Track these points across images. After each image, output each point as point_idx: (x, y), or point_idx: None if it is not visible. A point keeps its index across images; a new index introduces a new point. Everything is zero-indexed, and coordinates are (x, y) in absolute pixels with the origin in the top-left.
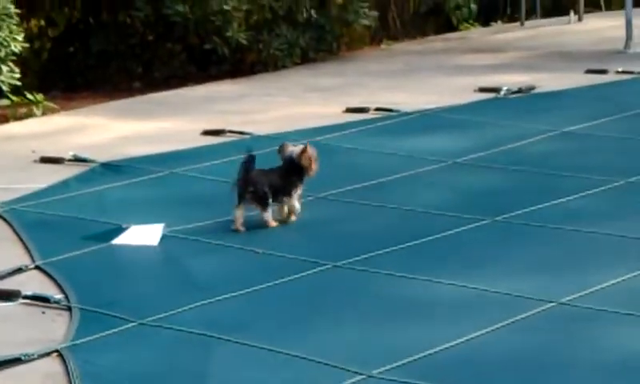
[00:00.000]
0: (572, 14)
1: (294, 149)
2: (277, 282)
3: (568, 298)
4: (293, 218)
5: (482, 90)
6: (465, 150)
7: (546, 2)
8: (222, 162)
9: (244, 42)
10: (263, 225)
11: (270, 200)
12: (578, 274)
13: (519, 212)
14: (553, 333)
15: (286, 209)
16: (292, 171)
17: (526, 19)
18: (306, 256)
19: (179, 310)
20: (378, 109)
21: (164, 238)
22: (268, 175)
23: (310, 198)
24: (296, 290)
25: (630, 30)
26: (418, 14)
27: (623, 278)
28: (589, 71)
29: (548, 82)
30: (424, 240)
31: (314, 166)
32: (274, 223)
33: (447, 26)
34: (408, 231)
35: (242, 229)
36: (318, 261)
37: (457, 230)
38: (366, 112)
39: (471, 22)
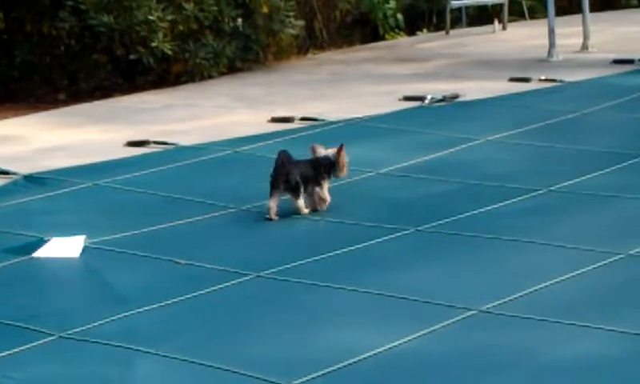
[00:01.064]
0: (496, 23)
1: (327, 151)
2: (200, 292)
3: (489, 306)
4: (324, 206)
5: (407, 98)
6: (389, 160)
7: (472, 11)
8: (146, 173)
9: (169, 52)
10: (297, 212)
11: (302, 189)
12: (498, 281)
13: (441, 221)
14: (474, 340)
15: (316, 198)
16: (324, 166)
17: (452, 28)
18: (230, 266)
19: (100, 322)
20: (302, 118)
21: (86, 249)
22: (299, 165)
23: (233, 210)
24: (219, 301)
25: (553, 38)
26: (344, 24)
27: (543, 285)
28: (512, 79)
29: (472, 90)
30: (347, 250)
31: (346, 171)
32: (306, 210)
33: (373, 35)
34: (331, 241)
35: (275, 217)
36: (241, 271)
37: (379, 239)
38: (291, 122)
39: (397, 31)
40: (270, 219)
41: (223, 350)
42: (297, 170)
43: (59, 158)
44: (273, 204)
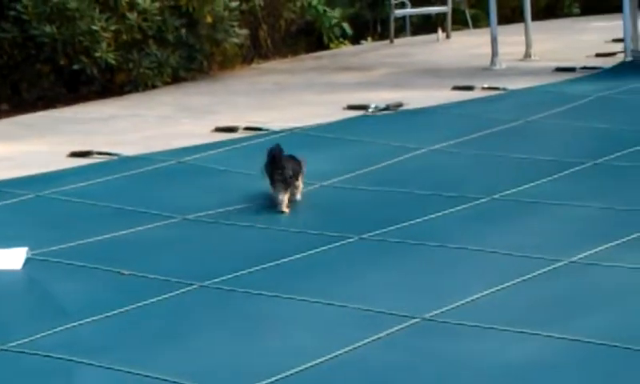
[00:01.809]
0: (440, 31)
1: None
2: (143, 303)
3: (432, 314)
4: (299, 196)
5: (351, 107)
6: (333, 169)
7: (416, 20)
8: (89, 184)
9: (113, 61)
10: (278, 206)
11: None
12: (442, 289)
13: (385, 230)
14: (417, 348)
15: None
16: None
17: (396, 37)
18: (173, 276)
19: (42, 334)
20: (246, 128)
21: (28, 261)
22: (290, 161)
23: (177, 220)
24: (162, 312)
25: (496, 47)
26: (289, 33)
27: (487, 292)
28: (456, 88)
29: (416, 98)
30: (291, 258)
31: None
32: (287, 209)
33: (318, 44)
34: (274, 250)
35: (287, 210)
36: (184, 281)
37: (323, 248)
38: (235, 131)
39: (342, 40)
40: (283, 212)
41: (166, 360)
42: (290, 165)
43: (1, 170)
44: (285, 197)
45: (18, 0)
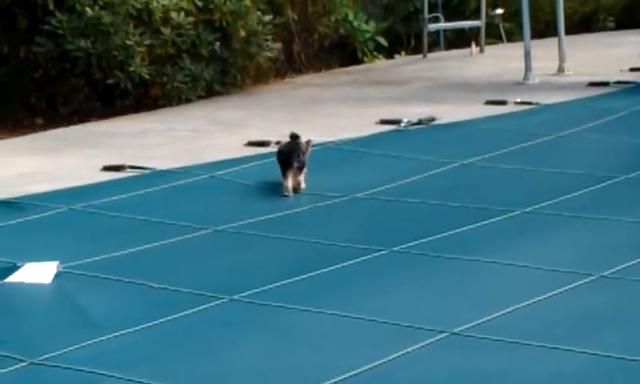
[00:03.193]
0: (473, 45)
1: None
2: (173, 316)
3: (461, 328)
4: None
5: (383, 121)
6: (365, 183)
7: (450, 34)
8: (122, 198)
9: (147, 76)
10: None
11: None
12: (472, 303)
13: (416, 242)
14: (445, 363)
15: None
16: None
17: (430, 51)
18: (204, 290)
19: (72, 347)
20: (278, 142)
21: (60, 274)
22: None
23: (209, 232)
24: (192, 325)
25: (529, 61)
26: (323, 48)
27: (518, 306)
28: (488, 102)
29: (448, 113)
30: (320, 272)
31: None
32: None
33: (352, 58)
34: (305, 262)
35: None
36: (215, 294)
37: (354, 261)
38: (267, 145)
39: (375, 54)
40: (288, 196)
41: (195, 374)
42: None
43: (35, 183)
44: (290, 183)
45: (53, 15)
